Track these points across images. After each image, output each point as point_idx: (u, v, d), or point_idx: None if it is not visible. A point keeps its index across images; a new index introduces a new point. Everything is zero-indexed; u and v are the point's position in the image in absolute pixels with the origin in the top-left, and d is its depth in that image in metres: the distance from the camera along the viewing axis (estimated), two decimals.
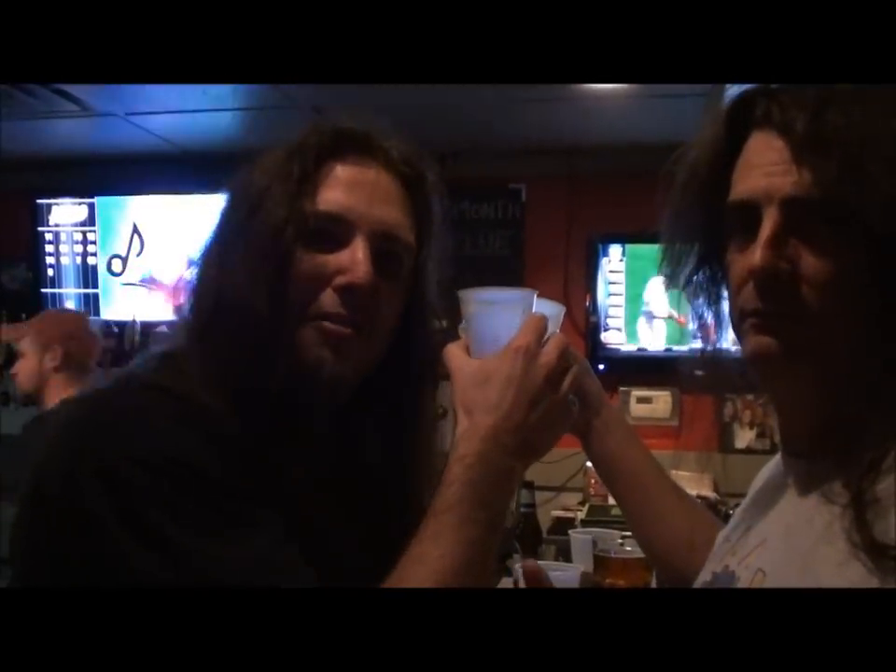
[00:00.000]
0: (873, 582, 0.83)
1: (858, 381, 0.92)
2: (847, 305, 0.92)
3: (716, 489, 4.05)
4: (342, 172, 1.16)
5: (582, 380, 1.39)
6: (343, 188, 1.15)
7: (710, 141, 1.04)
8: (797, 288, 0.93)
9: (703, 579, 1.14)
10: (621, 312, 4.45)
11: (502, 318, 1.12)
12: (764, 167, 0.96)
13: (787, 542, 0.97)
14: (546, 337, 1.11)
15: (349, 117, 1.22)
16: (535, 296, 1.16)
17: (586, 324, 4.49)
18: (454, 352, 1.13)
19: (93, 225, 4.93)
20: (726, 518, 1.32)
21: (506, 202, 4.65)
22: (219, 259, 1.13)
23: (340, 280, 1.12)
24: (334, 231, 1.14)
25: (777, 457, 1.11)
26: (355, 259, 1.13)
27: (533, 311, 1.14)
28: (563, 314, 1.27)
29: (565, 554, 2.83)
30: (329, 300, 1.12)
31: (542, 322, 1.11)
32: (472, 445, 1.05)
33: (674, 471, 4.23)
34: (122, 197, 4.84)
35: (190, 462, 1.00)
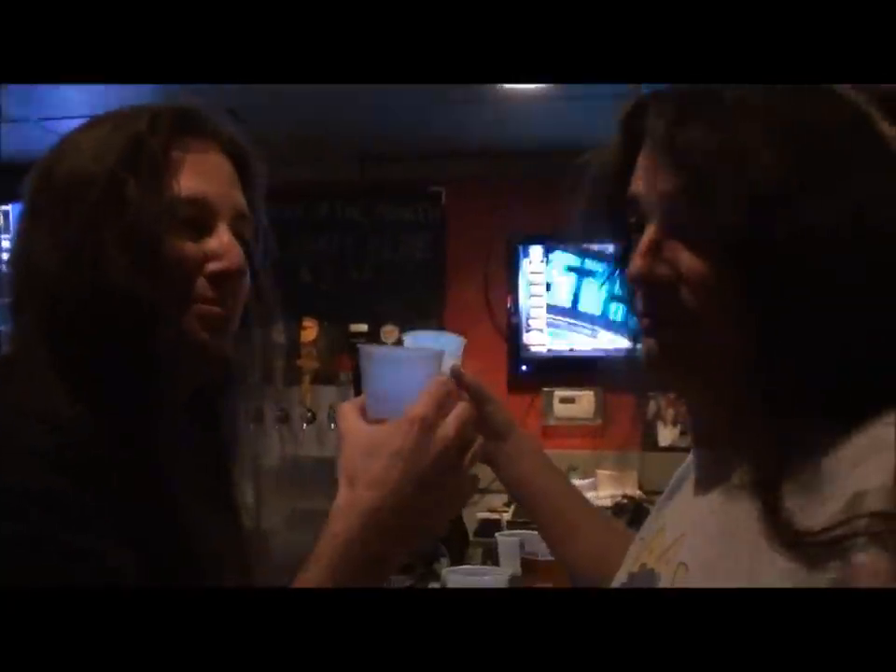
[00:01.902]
0: (800, 572, 0.83)
1: (745, 380, 0.92)
2: (724, 308, 0.92)
3: (640, 487, 4.08)
4: (191, 156, 1.11)
5: (487, 408, 1.36)
6: (198, 172, 1.11)
7: (611, 147, 1.04)
8: (675, 291, 0.94)
9: (619, 580, 1.13)
10: (542, 313, 4.47)
11: (404, 379, 1.03)
12: (649, 169, 0.97)
13: (706, 534, 0.96)
14: (454, 402, 1.01)
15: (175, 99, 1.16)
16: (442, 357, 1.08)
17: (508, 325, 4.50)
18: (346, 412, 1.03)
19: (8, 232, 4.83)
20: None
21: (426, 204, 4.64)
22: (71, 255, 1.05)
23: (214, 267, 1.09)
24: (197, 217, 1.10)
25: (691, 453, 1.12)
26: (224, 244, 1.10)
27: (440, 366, 1.05)
28: (462, 347, 1.25)
29: (492, 557, 2.83)
30: (202, 287, 1.09)
31: (444, 389, 1.00)
32: (348, 521, 0.97)
33: (598, 470, 4.29)
34: None
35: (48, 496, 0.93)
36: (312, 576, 0.96)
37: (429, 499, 0.99)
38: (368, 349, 1.06)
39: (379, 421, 1.01)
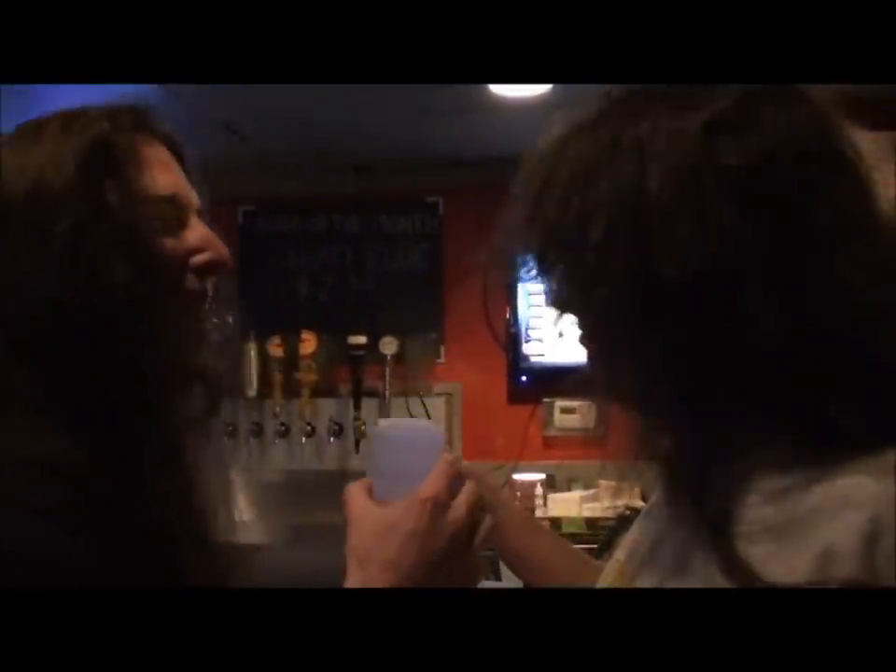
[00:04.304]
0: None
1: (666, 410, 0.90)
2: (624, 332, 0.90)
3: (643, 498, 4.05)
4: (149, 152, 1.10)
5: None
6: (161, 169, 1.10)
7: None
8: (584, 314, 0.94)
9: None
10: (542, 323, 4.43)
11: (412, 458, 1.02)
12: None
13: (670, 575, 0.93)
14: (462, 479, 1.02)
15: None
16: (445, 439, 1.08)
17: (507, 336, 4.47)
18: (354, 494, 1.02)
19: None
20: None
21: (423, 215, 4.62)
22: (59, 273, 1.01)
23: (199, 259, 1.10)
24: (171, 214, 1.09)
25: None
26: (204, 236, 1.11)
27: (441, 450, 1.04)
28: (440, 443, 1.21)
29: (494, 570, 2.81)
30: (191, 281, 1.09)
31: (454, 468, 1.00)
32: None
33: (600, 481, 4.25)
34: None
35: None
36: None
37: (441, 581, 0.97)
38: (376, 430, 1.06)
39: (387, 503, 1.00)
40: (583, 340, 0.96)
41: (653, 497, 1.10)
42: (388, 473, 1.02)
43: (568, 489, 4.19)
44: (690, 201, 0.84)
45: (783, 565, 0.80)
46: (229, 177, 4.42)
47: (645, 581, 0.97)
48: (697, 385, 0.86)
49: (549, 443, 4.39)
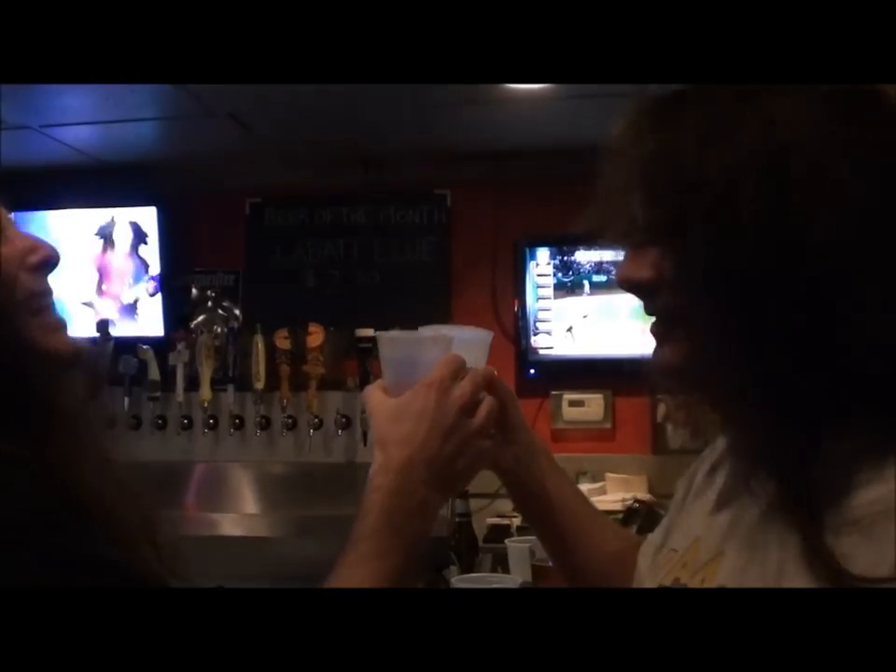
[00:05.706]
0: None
1: (744, 385, 0.88)
2: (694, 310, 0.90)
3: (651, 490, 4.05)
4: None
5: (506, 410, 1.32)
6: None
7: None
8: (656, 294, 0.95)
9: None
10: (551, 315, 4.43)
11: (417, 359, 1.15)
12: None
13: (748, 560, 0.91)
14: (466, 368, 1.14)
15: None
16: (453, 341, 1.19)
17: (515, 329, 4.46)
18: (371, 391, 1.18)
19: None
20: None
21: (431, 207, 4.60)
22: None
23: (34, 259, 1.09)
24: None
25: (717, 451, 1.08)
26: (33, 239, 1.11)
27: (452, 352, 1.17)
28: (489, 339, 1.25)
29: (502, 563, 2.80)
30: (29, 282, 1.08)
31: (458, 360, 1.14)
32: (387, 477, 1.10)
33: (608, 474, 4.24)
34: (39, 212, 4.72)
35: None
36: (367, 525, 1.08)
37: (454, 450, 1.11)
38: (385, 334, 1.22)
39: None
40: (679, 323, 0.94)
41: (703, 479, 1.09)
42: (401, 373, 1.16)
43: (576, 482, 4.18)
44: (810, 169, 0.83)
45: (867, 558, 0.78)
46: (235, 169, 4.44)
47: (733, 558, 0.95)
48: (794, 369, 0.84)
49: (557, 436, 4.39)
